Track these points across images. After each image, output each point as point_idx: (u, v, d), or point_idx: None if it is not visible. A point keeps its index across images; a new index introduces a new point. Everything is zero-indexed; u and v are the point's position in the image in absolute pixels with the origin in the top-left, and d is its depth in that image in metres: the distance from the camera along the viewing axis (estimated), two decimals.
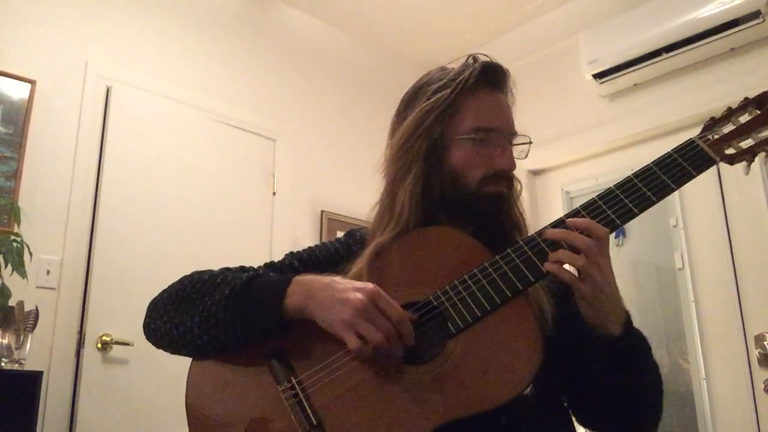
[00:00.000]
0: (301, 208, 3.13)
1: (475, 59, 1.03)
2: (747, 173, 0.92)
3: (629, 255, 2.93)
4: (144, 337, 1.00)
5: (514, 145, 1.01)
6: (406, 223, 0.96)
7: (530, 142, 1.02)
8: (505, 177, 0.99)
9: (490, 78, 1.01)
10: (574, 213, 0.89)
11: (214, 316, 0.91)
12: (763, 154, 0.91)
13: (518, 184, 1.02)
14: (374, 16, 3.42)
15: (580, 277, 0.83)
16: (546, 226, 0.89)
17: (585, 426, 1.01)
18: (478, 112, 0.99)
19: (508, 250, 0.89)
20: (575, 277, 0.84)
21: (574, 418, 1.01)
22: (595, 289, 0.83)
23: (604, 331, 0.85)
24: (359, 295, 0.83)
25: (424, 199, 0.98)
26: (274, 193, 3.03)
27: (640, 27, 2.77)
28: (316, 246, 1.09)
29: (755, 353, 2.39)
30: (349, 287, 0.85)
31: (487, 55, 1.04)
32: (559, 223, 0.88)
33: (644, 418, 0.93)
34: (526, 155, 1.03)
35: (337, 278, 0.89)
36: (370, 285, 0.85)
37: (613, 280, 0.85)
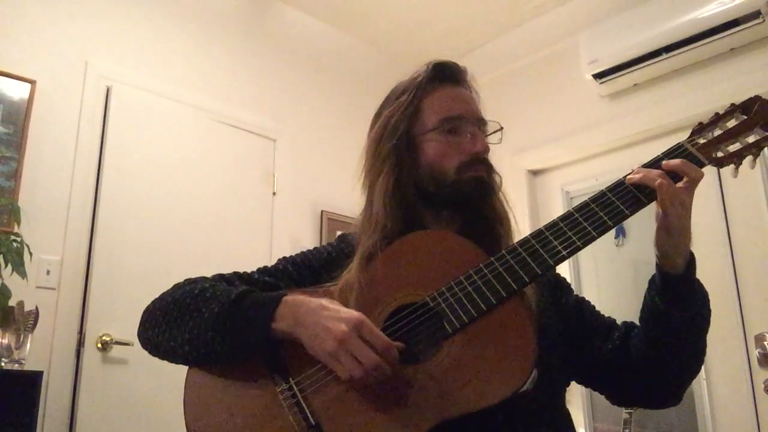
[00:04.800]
0: (301, 208, 3.13)
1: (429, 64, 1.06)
2: (735, 176, 0.95)
3: (629, 255, 2.93)
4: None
5: (487, 134, 1.04)
6: (384, 225, 0.97)
7: (501, 128, 1.05)
8: (481, 161, 1.00)
9: (445, 74, 1.05)
10: (656, 161, 0.92)
11: (203, 335, 0.91)
12: (750, 157, 0.94)
13: (498, 176, 1.03)
14: (374, 16, 3.42)
15: (670, 204, 0.86)
16: (641, 166, 0.92)
17: (624, 401, 1.04)
18: (440, 104, 1.02)
19: (503, 251, 0.89)
20: (666, 203, 0.86)
21: (612, 401, 1.04)
22: (680, 219, 0.86)
23: (671, 264, 0.89)
24: (342, 326, 0.82)
25: (399, 196, 0.99)
26: (274, 193, 3.03)
27: (640, 27, 2.77)
28: (309, 251, 1.10)
29: (755, 353, 2.39)
30: (335, 315, 0.84)
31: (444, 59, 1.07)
32: (654, 163, 0.92)
33: (695, 360, 0.96)
34: (500, 140, 1.05)
35: (326, 302, 0.88)
36: (355, 314, 0.84)
37: (690, 219, 0.88)
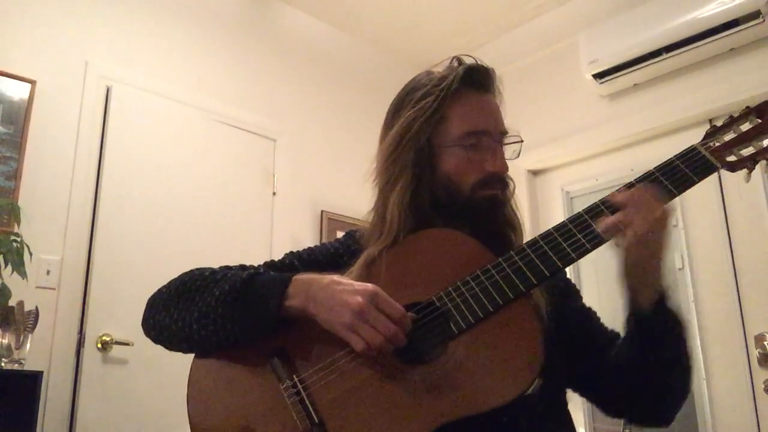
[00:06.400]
0: (301, 208, 3.13)
1: (459, 61, 1.02)
2: (747, 181, 0.93)
3: None
4: (143, 333, 1.00)
5: (505, 144, 1.00)
6: (397, 232, 0.96)
7: (521, 141, 1.02)
8: (498, 179, 0.99)
9: (474, 80, 1.00)
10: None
11: (213, 312, 0.91)
12: (763, 162, 0.92)
13: (511, 183, 1.02)
14: (374, 17, 3.42)
15: (632, 242, 0.84)
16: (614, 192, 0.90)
17: (614, 414, 1.02)
18: (466, 116, 0.98)
19: (511, 252, 0.89)
20: (625, 241, 0.84)
21: (603, 412, 1.03)
22: (641, 259, 0.85)
23: (635, 305, 0.87)
24: (358, 298, 0.83)
25: (415, 206, 0.97)
26: (274, 193, 3.03)
27: (640, 27, 2.77)
28: (316, 246, 1.09)
29: (755, 353, 2.39)
30: (349, 288, 0.85)
31: (471, 56, 1.03)
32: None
33: (668, 398, 0.94)
34: (518, 154, 1.02)
35: (337, 277, 0.89)
36: (369, 286, 0.85)
37: (660, 257, 0.86)
